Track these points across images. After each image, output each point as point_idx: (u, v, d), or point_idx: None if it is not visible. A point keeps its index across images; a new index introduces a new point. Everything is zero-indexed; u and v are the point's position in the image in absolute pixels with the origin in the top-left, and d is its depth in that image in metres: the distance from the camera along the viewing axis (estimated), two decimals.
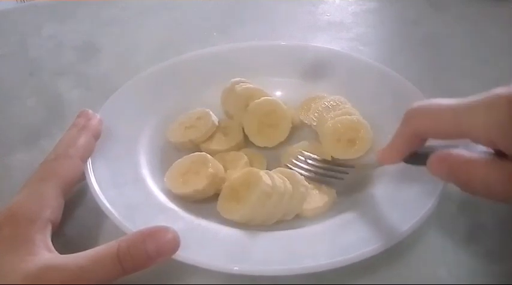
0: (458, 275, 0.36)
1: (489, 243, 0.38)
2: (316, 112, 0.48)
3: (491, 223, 0.39)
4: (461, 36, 0.65)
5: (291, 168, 0.43)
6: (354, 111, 0.47)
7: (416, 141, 0.35)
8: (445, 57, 0.60)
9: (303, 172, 0.43)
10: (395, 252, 0.35)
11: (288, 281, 0.34)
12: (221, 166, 0.43)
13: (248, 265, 0.34)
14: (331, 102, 0.48)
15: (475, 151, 0.32)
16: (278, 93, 0.52)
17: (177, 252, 0.33)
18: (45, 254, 0.33)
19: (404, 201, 0.38)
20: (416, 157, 0.36)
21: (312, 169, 0.44)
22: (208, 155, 0.43)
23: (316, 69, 0.51)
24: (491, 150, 0.32)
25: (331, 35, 0.67)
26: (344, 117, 0.46)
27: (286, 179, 0.40)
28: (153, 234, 0.33)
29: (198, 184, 0.41)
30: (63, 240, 0.36)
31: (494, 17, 0.67)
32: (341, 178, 0.42)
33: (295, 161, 0.44)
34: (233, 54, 0.56)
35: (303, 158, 0.45)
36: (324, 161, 0.44)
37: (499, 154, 0.31)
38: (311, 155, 0.45)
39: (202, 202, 0.41)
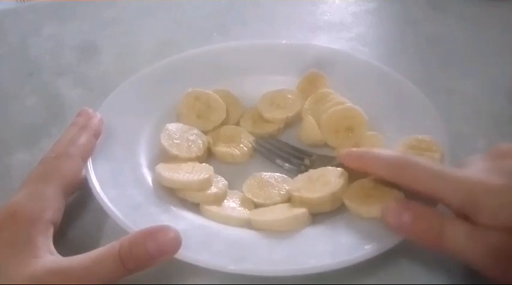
0: (458, 275, 0.36)
1: None
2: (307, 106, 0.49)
3: None
4: (461, 36, 0.65)
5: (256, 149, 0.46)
6: (343, 100, 0.47)
7: None
8: (445, 57, 0.60)
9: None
10: (395, 252, 0.35)
11: (289, 281, 0.34)
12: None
13: (248, 265, 0.34)
14: (319, 95, 0.49)
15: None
16: None
17: (178, 251, 0.33)
18: (48, 256, 0.33)
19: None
20: None
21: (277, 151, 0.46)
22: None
23: (317, 68, 0.51)
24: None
25: (331, 35, 0.67)
26: (337, 107, 0.46)
27: None
28: (154, 233, 0.33)
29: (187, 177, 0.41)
30: (64, 241, 0.36)
31: (494, 17, 0.67)
32: (300, 166, 0.44)
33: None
34: (233, 52, 0.56)
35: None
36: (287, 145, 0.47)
37: None
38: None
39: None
